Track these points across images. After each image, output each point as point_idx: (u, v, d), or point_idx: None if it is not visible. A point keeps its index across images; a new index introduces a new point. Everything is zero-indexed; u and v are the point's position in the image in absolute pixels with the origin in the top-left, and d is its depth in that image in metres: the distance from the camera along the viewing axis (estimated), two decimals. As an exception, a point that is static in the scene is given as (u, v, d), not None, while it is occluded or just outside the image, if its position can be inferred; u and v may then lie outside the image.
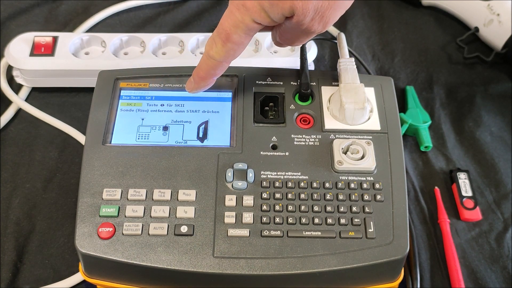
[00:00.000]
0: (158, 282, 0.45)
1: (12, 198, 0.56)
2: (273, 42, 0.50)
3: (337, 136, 0.50)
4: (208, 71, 0.47)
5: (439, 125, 0.63)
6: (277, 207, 0.46)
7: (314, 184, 0.47)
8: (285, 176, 0.47)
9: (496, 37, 0.68)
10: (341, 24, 0.74)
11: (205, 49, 0.46)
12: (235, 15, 0.43)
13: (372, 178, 0.47)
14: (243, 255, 0.44)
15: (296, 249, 0.44)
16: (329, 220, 0.45)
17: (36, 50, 0.63)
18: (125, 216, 0.45)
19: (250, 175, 0.47)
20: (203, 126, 0.51)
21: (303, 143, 0.49)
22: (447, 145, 0.61)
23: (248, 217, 0.45)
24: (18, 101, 0.63)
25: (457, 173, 0.57)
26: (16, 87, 0.65)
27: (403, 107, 0.64)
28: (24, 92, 0.65)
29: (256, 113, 0.51)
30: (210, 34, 0.65)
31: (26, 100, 0.65)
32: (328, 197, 0.46)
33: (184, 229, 0.45)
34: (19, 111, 0.64)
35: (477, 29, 0.70)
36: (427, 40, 0.73)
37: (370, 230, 0.45)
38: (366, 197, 0.46)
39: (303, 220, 0.45)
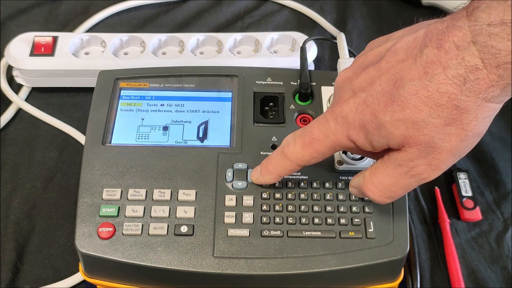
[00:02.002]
0: (158, 282, 0.45)
1: (12, 198, 0.56)
2: (352, 191, 0.43)
3: (337, 136, 0.50)
4: (277, 168, 0.43)
5: (439, 125, 0.63)
6: (277, 207, 0.46)
7: (314, 184, 0.47)
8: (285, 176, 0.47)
9: (496, 37, 0.68)
10: (341, 24, 0.74)
11: (282, 143, 0.42)
12: (329, 124, 0.39)
13: (372, 178, 0.47)
14: (243, 255, 0.44)
15: (296, 249, 0.44)
16: (329, 220, 0.45)
17: (36, 50, 0.63)
18: (125, 216, 0.45)
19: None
20: (203, 126, 0.51)
21: (303, 143, 0.49)
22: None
23: (248, 217, 0.45)
24: (18, 101, 0.63)
25: (457, 173, 0.57)
26: (16, 87, 0.65)
27: (403, 107, 0.64)
28: (24, 92, 0.65)
29: (256, 113, 0.51)
30: (210, 34, 0.66)
31: (26, 100, 0.65)
32: (328, 197, 0.46)
33: (184, 229, 0.45)
34: (19, 111, 0.64)
35: (477, 29, 0.70)
36: (427, 40, 0.73)
37: (370, 230, 0.45)
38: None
39: (303, 220, 0.45)
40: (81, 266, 0.47)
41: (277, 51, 0.65)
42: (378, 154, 0.40)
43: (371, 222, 0.45)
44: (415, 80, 0.34)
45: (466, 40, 0.33)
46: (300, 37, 0.65)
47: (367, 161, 0.47)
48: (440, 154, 0.35)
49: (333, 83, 0.53)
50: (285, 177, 0.46)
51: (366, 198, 0.46)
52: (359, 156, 0.48)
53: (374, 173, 0.39)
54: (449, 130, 0.34)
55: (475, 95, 0.33)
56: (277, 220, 0.45)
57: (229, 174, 0.47)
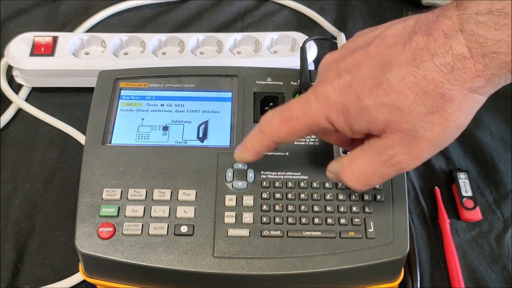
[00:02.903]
0: (158, 282, 0.45)
1: (12, 198, 0.56)
2: (329, 176, 0.42)
3: (337, 136, 0.50)
4: (253, 144, 0.42)
5: (439, 125, 0.63)
6: (277, 207, 0.46)
7: (314, 184, 0.47)
8: (285, 176, 0.47)
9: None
10: (341, 24, 0.74)
11: (260, 120, 0.41)
12: (310, 103, 0.38)
13: (372, 178, 0.47)
14: (243, 255, 0.44)
15: (296, 249, 0.44)
16: (329, 220, 0.45)
17: (36, 50, 0.63)
18: (125, 216, 0.45)
19: (250, 175, 0.47)
20: (203, 126, 0.51)
21: (303, 143, 0.49)
22: (447, 145, 0.61)
23: (248, 217, 0.45)
24: (18, 101, 0.63)
25: (457, 173, 0.57)
26: (16, 87, 0.65)
27: (403, 107, 0.64)
28: (24, 92, 0.65)
29: (256, 113, 0.51)
30: (210, 34, 0.66)
31: (26, 100, 0.65)
32: (328, 197, 0.46)
33: (184, 229, 0.45)
34: (19, 111, 0.64)
35: (477, 29, 0.70)
36: (427, 40, 0.73)
37: (370, 230, 0.45)
38: (366, 197, 0.46)
39: (303, 220, 0.45)
40: (81, 266, 0.47)
41: (277, 51, 0.65)
42: (352, 144, 0.40)
43: (371, 222, 0.45)
44: (403, 65, 0.34)
45: (454, 29, 0.33)
46: (300, 37, 0.65)
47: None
48: (421, 143, 0.35)
49: None
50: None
51: (366, 198, 0.46)
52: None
53: (352, 160, 0.39)
54: (432, 119, 0.34)
55: (460, 85, 0.33)
56: (277, 220, 0.45)
57: (229, 174, 0.47)
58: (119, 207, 0.46)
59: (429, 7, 0.76)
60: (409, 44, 0.35)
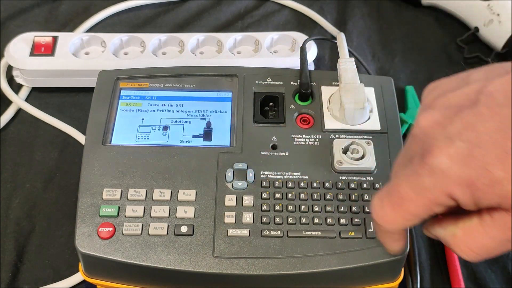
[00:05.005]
0: (158, 282, 0.45)
1: (12, 198, 0.56)
2: (427, 234, 0.37)
3: (337, 136, 0.50)
4: (384, 239, 0.40)
5: (439, 125, 0.63)
6: (277, 207, 0.46)
7: (314, 184, 0.47)
8: (285, 176, 0.47)
9: (496, 37, 0.68)
10: (341, 24, 0.74)
11: (371, 205, 0.36)
12: (422, 179, 0.32)
13: (372, 178, 0.47)
14: (243, 255, 0.44)
15: (296, 249, 0.44)
16: (329, 220, 0.45)
17: (36, 50, 0.63)
18: (125, 216, 0.45)
19: (250, 175, 0.47)
20: (203, 126, 0.51)
21: (303, 143, 0.49)
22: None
23: (248, 217, 0.45)
24: (18, 101, 0.63)
25: (457, 173, 0.57)
26: (16, 87, 0.65)
27: (403, 107, 0.64)
28: (24, 92, 0.65)
29: (256, 113, 0.51)
30: (210, 34, 0.67)
31: (26, 100, 0.65)
32: (328, 197, 0.46)
33: (184, 229, 0.45)
34: (19, 111, 0.64)
35: (477, 29, 0.70)
36: (427, 40, 0.73)
37: (370, 230, 0.45)
38: (366, 197, 0.46)
39: (303, 220, 0.45)
40: (81, 266, 0.47)
41: (277, 51, 0.65)
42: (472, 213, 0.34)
43: (371, 222, 0.45)
44: None
45: None
46: (300, 37, 0.65)
47: (367, 161, 0.47)
48: None
49: (333, 83, 0.53)
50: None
51: (366, 198, 0.46)
52: (360, 156, 0.48)
53: (470, 233, 0.33)
54: None
55: None
56: (277, 220, 0.45)
57: (229, 174, 0.47)
58: (119, 207, 0.46)
59: (429, 7, 0.76)
60: None
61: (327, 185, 0.47)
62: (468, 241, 0.33)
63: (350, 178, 0.47)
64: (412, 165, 0.33)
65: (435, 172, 0.31)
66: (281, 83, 0.53)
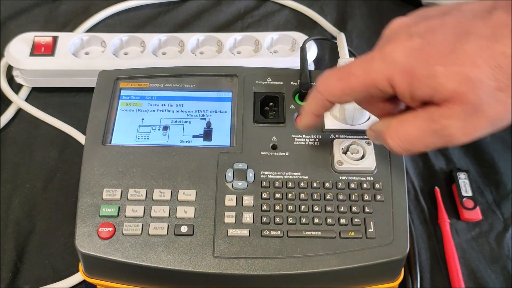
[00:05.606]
0: (158, 282, 0.45)
1: (12, 198, 0.56)
2: (369, 133, 0.42)
3: (337, 136, 0.50)
4: (310, 105, 0.42)
5: (439, 125, 0.63)
6: (277, 207, 0.46)
7: (314, 184, 0.47)
8: (285, 176, 0.47)
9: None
10: (341, 24, 0.74)
11: (316, 81, 0.41)
12: (373, 62, 0.37)
13: (372, 178, 0.47)
14: (243, 255, 0.44)
15: (296, 249, 0.44)
16: (329, 220, 0.45)
17: (36, 50, 0.63)
18: (125, 216, 0.45)
19: (250, 175, 0.47)
20: (203, 126, 0.51)
21: (303, 143, 0.49)
22: (447, 145, 0.61)
23: (248, 217, 0.45)
24: (18, 101, 0.63)
25: (457, 173, 0.57)
26: (16, 87, 0.65)
27: (403, 107, 0.64)
28: (24, 92, 0.65)
29: (256, 113, 0.51)
30: (210, 34, 0.66)
31: (26, 100, 0.65)
32: (328, 197, 0.46)
33: (184, 229, 0.45)
34: (19, 111, 0.64)
35: (477, 29, 0.70)
36: (427, 40, 0.73)
37: (370, 230, 0.45)
38: (366, 197, 0.46)
39: (303, 220, 0.45)
40: (81, 266, 0.47)
41: (277, 51, 0.65)
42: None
43: (371, 222, 0.45)
44: (482, 38, 0.34)
45: None
46: (300, 37, 0.65)
47: (367, 161, 0.47)
48: (480, 120, 0.35)
49: None
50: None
51: (366, 198, 0.46)
52: (360, 156, 0.48)
53: (401, 122, 0.38)
54: (499, 96, 0.34)
55: None
56: (277, 220, 0.45)
57: (229, 174, 0.47)
58: (119, 207, 0.46)
59: (429, 7, 0.76)
60: (489, 19, 0.34)
61: (327, 185, 0.47)
62: (398, 128, 0.38)
63: (350, 178, 0.47)
64: (371, 52, 0.37)
65: (386, 59, 0.36)
66: (281, 83, 0.53)
